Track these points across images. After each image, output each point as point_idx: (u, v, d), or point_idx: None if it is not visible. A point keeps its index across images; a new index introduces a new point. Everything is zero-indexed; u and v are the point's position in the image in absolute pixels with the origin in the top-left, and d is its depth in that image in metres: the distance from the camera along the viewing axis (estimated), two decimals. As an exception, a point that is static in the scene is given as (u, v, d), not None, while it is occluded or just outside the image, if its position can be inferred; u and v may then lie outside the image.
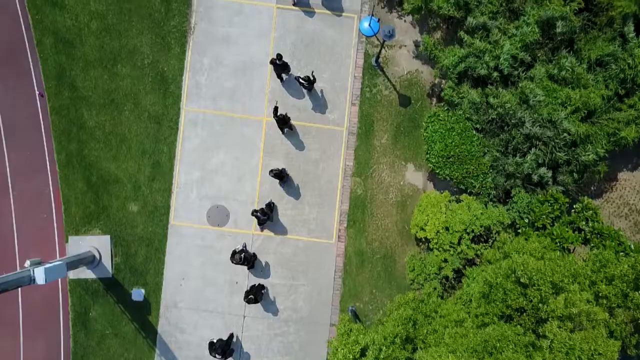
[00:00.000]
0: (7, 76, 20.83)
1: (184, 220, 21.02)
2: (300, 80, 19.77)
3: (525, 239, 16.72)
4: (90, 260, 20.15)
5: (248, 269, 20.67)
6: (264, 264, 20.85)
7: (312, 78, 19.79)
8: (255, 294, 19.52)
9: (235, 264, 19.53)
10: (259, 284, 20.35)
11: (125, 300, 20.85)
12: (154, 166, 20.99)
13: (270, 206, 20.43)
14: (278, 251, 20.98)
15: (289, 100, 21.06)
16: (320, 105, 21.14)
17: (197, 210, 21.01)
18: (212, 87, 21.06)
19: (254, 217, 19.93)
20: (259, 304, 20.48)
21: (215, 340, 19.19)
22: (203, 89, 21.07)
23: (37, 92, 20.84)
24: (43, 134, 20.86)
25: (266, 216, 19.84)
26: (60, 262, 16.94)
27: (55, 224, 20.85)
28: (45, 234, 20.77)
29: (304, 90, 20.91)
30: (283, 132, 20.79)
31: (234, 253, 19.41)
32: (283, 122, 19.88)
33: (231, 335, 20.26)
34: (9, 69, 20.82)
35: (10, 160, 20.77)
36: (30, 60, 20.87)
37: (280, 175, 20.02)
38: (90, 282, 20.83)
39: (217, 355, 18.86)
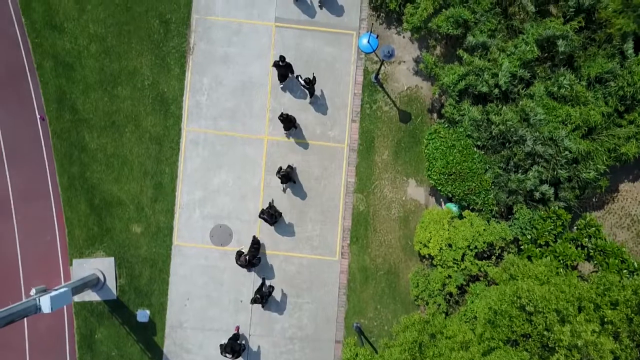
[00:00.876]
0: (8, 100, 20.89)
1: (187, 240, 21.07)
2: (301, 80, 19.71)
3: (529, 257, 16.76)
4: (94, 283, 20.21)
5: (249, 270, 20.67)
6: (269, 265, 20.85)
7: (312, 79, 19.69)
8: (262, 294, 19.53)
9: (240, 265, 19.58)
10: (262, 286, 20.28)
11: (131, 322, 20.89)
12: (156, 187, 21.03)
13: (274, 207, 20.43)
14: (282, 269, 21.03)
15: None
16: (320, 122, 21.20)
17: (200, 230, 21.06)
18: (213, 107, 21.11)
19: (261, 219, 19.95)
20: (263, 325, 20.57)
21: (224, 342, 19.29)
22: (203, 109, 21.12)
23: (38, 116, 20.89)
24: (45, 157, 20.91)
25: (273, 217, 19.86)
26: (65, 289, 16.99)
27: (59, 247, 20.91)
28: (49, 258, 20.82)
29: (306, 92, 20.79)
30: (287, 131, 20.72)
31: (239, 254, 19.45)
32: (289, 121, 19.87)
33: (240, 335, 20.29)
34: (9, 93, 20.88)
35: (12, 184, 20.82)
36: (30, 84, 20.92)
37: (288, 177, 19.97)
38: (95, 304, 20.87)
39: (227, 355, 18.99)
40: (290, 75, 20.53)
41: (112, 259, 20.85)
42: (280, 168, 19.77)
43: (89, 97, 20.95)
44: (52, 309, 15.96)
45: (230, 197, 21.11)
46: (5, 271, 20.67)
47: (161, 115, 21.08)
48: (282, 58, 19.46)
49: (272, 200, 20.66)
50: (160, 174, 21.06)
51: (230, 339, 19.47)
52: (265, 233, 20.92)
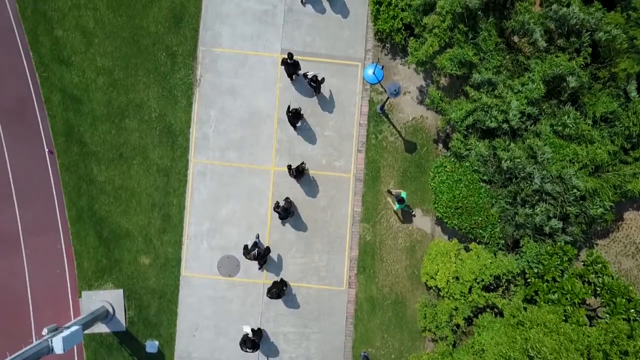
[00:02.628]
0: (17, 134, 21.04)
1: (195, 271, 21.22)
2: (308, 78, 19.78)
3: (536, 292, 16.88)
4: (104, 316, 20.35)
5: (260, 266, 20.72)
6: (276, 258, 21.00)
7: (319, 79, 19.82)
8: (279, 289, 19.65)
9: (250, 259, 19.63)
10: (281, 279, 20.50)
11: (140, 353, 21.04)
12: (164, 219, 21.18)
13: (289, 202, 20.47)
14: (289, 300, 21.17)
15: (295, 149, 21.25)
16: (326, 153, 21.34)
17: (207, 261, 21.20)
18: (220, 138, 21.26)
19: (275, 212, 19.97)
20: (271, 355, 20.71)
21: (249, 334, 19.41)
22: (211, 141, 21.26)
23: (46, 150, 21.04)
24: (53, 190, 21.06)
25: (287, 211, 19.92)
26: (76, 327, 17.12)
27: (68, 280, 21.05)
28: (58, 290, 20.97)
29: (313, 92, 20.97)
30: (295, 128, 20.87)
31: (247, 249, 19.47)
32: (297, 116, 19.97)
33: (259, 330, 20.37)
34: (18, 127, 21.03)
35: (21, 218, 20.97)
36: (38, 117, 21.08)
37: (300, 170, 19.90)
38: (104, 335, 21.01)
39: (248, 350, 19.23)
40: (296, 75, 20.47)
41: (121, 290, 20.99)
42: (290, 169, 19.71)
43: (97, 130, 21.10)
44: (64, 349, 16.09)
45: (237, 228, 21.25)
46: (15, 304, 20.80)
47: (168, 147, 21.22)
48: (290, 55, 19.46)
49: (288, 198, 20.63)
50: (168, 205, 21.20)
51: (252, 334, 19.53)
52: (273, 264, 21.07)
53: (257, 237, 19.93)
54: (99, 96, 21.13)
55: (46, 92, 21.09)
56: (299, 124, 20.64)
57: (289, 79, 21.03)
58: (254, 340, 19.38)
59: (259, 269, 20.92)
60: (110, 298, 20.93)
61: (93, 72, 21.11)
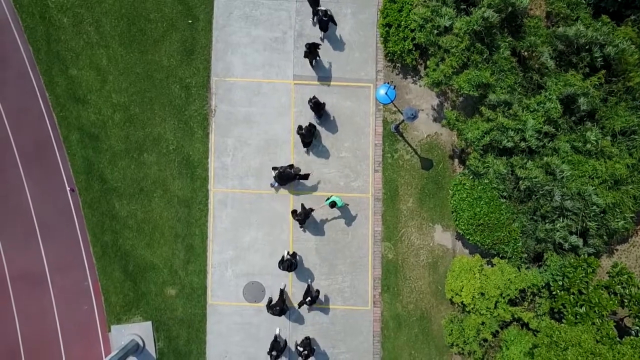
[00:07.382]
0: (38, 175, 21.30)
1: (221, 299, 21.46)
2: (320, 15, 19.90)
3: (563, 305, 17.06)
4: (135, 350, 20.60)
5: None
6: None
7: (329, 13, 20.10)
8: (306, 214, 20.09)
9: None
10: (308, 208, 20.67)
11: (172, 383, 21.31)
12: (188, 249, 21.42)
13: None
14: (316, 322, 21.41)
15: (312, 172, 21.42)
16: (343, 174, 21.57)
17: (233, 288, 21.45)
18: (238, 166, 21.50)
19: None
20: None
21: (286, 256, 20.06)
22: (229, 170, 21.50)
23: (68, 188, 21.29)
24: (77, 228, 21.31)
25: (310, 132, 20.18)
26: (112, 368, 17.39)
27: (96, 315, 21.31)
28: (88, 326, 21.23)
29: (324, 31, 20.92)
30: (312, 63, 21.10)
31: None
32: (314, 47, 20.08)
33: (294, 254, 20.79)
34: (39, 168, 21.29)
35: (47, 257, 21.23)
36: (58, 157, 21.33)
37: (319, 104, 20.21)
38: (135, 368, 21.29)
39: (283, 269, 19.93)
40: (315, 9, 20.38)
41: (150, 323, 21.24)
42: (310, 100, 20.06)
43: (117, 166, 21.35)
44: (103, 390, 16.34)
45: (260, 254, 21.49)
46: (46, 344, 21.06)
47: (188, 179, 21.46)
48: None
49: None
50: (190, 236, 21.44)
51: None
52: (298, 287, 21.29)
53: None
54: (116, 132, 21.38)
55: (64, 131, 21.35)
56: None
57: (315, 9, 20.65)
58: (291, 260, 19.92)
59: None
60: (140, 331, 21.18)
61: (109, 109, 21.36)
